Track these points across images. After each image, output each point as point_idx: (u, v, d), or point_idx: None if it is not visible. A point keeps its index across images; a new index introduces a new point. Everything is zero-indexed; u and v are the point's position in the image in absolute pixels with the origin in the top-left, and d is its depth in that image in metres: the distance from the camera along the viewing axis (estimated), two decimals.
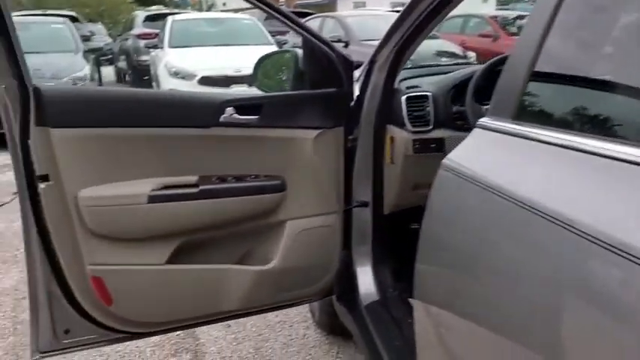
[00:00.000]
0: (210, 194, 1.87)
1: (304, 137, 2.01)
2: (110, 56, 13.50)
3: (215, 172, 1.92)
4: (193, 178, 1.89)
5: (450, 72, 2.43)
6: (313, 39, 1.98)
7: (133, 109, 1.80)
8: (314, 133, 2.01)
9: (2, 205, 4.63)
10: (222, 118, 1.88)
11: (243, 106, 1.92)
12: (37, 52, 6.20)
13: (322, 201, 2.10)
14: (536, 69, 1.14)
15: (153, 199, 1.79)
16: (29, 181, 1.72)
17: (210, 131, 1.88)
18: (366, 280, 2.30)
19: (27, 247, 1.78)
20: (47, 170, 1.71)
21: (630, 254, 0.69)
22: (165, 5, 25.92)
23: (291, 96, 2.04)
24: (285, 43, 10.07)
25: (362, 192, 2.25)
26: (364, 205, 2.26)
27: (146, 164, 1.82)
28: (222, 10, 26.06)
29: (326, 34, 7.34)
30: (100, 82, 10.18)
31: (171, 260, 1.89)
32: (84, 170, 1.73)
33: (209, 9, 31.98)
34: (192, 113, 1.86)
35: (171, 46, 8.66)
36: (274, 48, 8.13)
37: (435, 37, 9.64)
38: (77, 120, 1.71)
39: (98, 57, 10.87)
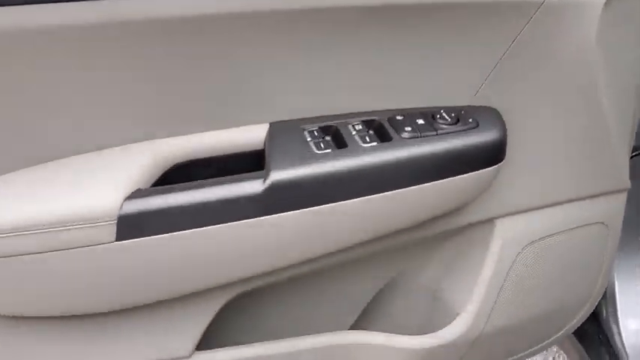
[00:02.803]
0: (314, 193, 0.64)
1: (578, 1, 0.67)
2: None
3: (321, 109, 0.68)
4: (257, 133, 0.66)
5: None
6: None
7: None
8: None
9: None
10: None
11: None
12: None
13: (595, 171, 0.81)
14: None
15: (132, 222, 0.59)
16: None
17: None
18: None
19: None
20: None
21: None
22: None
23: None
24: None
25: None
26: None
27: (117, 102, 0.60)
28: None
29: None
30: None
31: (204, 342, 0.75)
32: None
33: None
34: None
35: None
36: None
37: None
38: None
39: None
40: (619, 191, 0.85)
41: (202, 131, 0.66)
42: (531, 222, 0.82)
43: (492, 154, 0.70)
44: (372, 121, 0.69)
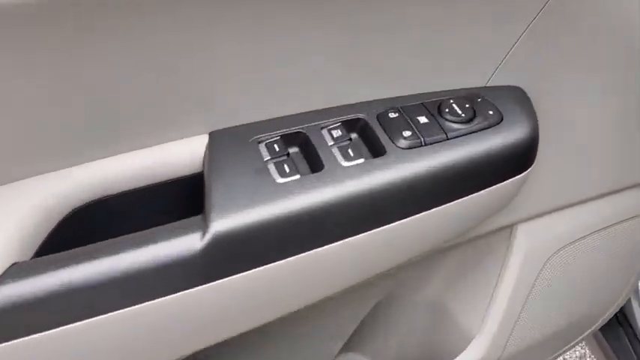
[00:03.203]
0: (277, 244, 0.44)
1: None
2: None
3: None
4: (191, 150, 0.47)
5: None
6: None
7: None
8: None
9: None
10: None
11: None
12: None
13: (637, 157, 0.63)
14: None
15: (7, 319, 0.39)
16: None
17: None
18: None
19: None
20: None
21: None
22: None
23: None
24: None
25: None
26: None
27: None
28: None
29: None
30: None
31: None
32: None
33: None
34: None
35: None
36: None
37: None
38: None
39: None
40: None
41: (109, 155, 0.45)
42: (561, 224, 0.65)
43: (521, 158, 0.51)
44: (356, 121, 0.49)
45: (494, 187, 0.50)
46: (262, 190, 0.43)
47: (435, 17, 0.48)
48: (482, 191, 0.50)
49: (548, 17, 0.49)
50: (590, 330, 0.82)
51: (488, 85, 0.53)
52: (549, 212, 0.64)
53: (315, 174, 0.45)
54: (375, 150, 0.47)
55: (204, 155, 0.47)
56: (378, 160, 0.46)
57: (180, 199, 0.48)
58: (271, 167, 0.45)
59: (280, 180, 0.44)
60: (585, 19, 0.51)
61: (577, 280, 0.69)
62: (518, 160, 0.51)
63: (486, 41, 0.50)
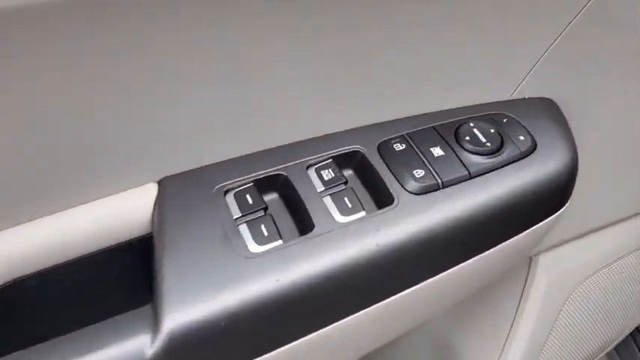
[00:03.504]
0: (255, 339, 0.32)
1: None
2: None
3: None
4: (135, 206, 0.35)
5: None
6: None
7: None
8: None
9: None
10: None
11: None
12: None
13: None
14: None
15: None
16: None
17: None
18: None
19: None
20: None
21: None
22: None
23: None
24: None
25: None
26: None
27: None
28: None
29: None
30: None
31: None
32: None
33: None
34: None
35: None
36: None
37: None
38: None
39: None
40: None
41: (21, 222, 0.33)
42: (588, 250, 0.55)
43: (559, 194, 0.41)
44: (351, 155, 0.38)
45: (525, 232, 0.40)
46: (232, 264, 0.32)
47: (447, 15, 0.36)
48: (511, 239, 0.39)
49: (590, 17, 0.39)
50: (606, 350, 0.74)
51: (512, 97, 0.42)
52: (575, 239, 0.54)
53: (303, 237, 0.33)
54: (379, 197, 0.36)
55: (153, 212, 0.35)
56: (384, 213, 0.35)
57: (120, 274, 0.36)
58: (243, 229, 0.34)
59: (256, 249, 0.33)
60: (627, 21, 0.41)
61: (602, 309, 0.60)
62: (555, 197, 0.40)
63: (514, 45, 0.39)
